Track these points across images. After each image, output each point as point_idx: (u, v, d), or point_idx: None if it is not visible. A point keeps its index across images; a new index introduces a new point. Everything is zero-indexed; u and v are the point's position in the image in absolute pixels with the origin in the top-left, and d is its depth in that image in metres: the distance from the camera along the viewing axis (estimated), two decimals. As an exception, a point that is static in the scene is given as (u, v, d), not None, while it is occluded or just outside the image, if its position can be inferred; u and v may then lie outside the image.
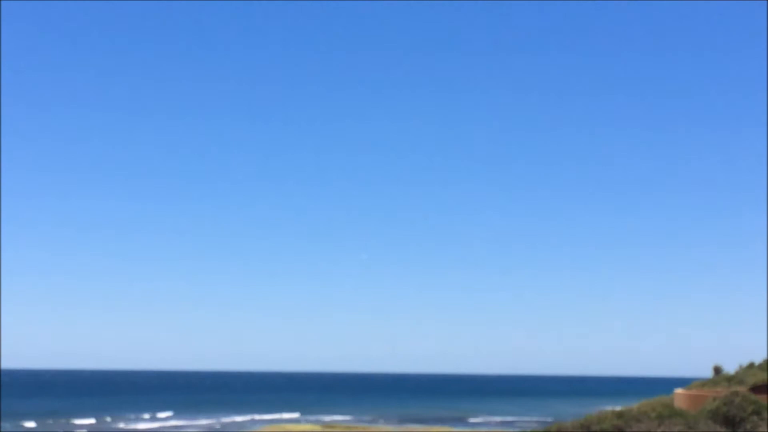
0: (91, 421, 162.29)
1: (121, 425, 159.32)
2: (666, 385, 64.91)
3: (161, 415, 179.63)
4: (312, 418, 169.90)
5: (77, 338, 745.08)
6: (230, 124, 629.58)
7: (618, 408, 45.65)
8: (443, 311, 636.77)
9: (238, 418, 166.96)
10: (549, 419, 51.77)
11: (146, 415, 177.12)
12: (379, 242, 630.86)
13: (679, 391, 51.47)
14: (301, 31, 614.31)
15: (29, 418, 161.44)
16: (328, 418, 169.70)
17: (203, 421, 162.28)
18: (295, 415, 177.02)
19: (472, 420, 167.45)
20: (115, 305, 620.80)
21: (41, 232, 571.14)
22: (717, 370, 59.13)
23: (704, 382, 57.72)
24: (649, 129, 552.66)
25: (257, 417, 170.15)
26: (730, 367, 57.90)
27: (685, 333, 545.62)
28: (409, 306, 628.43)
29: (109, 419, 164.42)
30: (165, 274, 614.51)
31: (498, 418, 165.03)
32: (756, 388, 46.89)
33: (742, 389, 45.66)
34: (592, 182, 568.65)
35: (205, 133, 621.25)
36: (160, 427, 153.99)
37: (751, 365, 57.19)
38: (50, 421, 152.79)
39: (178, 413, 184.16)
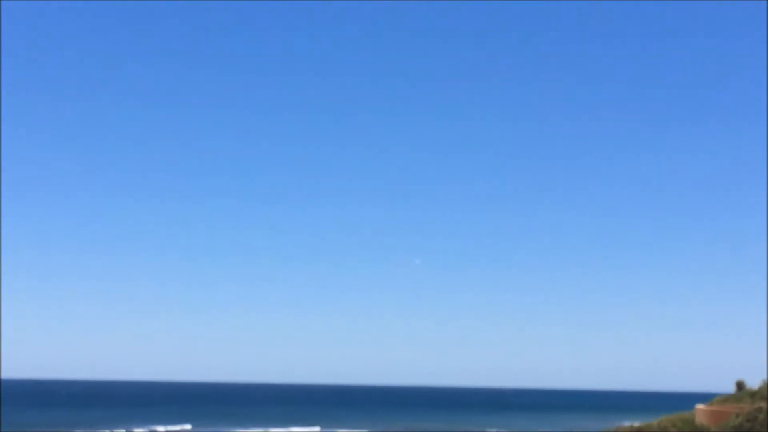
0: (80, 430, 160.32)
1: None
2: (687, 400, 63.18)
3: (178, 427, 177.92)
4: (316, 429, 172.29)
5: (82, 347, 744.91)
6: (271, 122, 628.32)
7: (637, 424, 45.05)
8: (452, 325, 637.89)
9: (256, 430, 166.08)
10: (567, 434, 50.71)
11: (161, 428, 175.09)
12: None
13: (700, 406, 50.15)
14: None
15: (34, 428, 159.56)
16: (343, 430, 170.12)
17: (225, 430, 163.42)
18: (315, 428, 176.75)
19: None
20: (121, 313, 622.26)
21: (46, 234, 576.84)
22: (740, 385, 57.65)
23: (726, 398, 56.38)
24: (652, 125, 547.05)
25: (273, 430, 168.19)
26: (754, 382, 56.67)
27: (707, 346, 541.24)
28: (418, 320, 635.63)
29: (123, 431, 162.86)
30: (175, 280, 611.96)
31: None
32: (780, 404, 45.79)
33: (766, 405, 44.91)
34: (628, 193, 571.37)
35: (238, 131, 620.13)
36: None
37: None
38: None
39: (197, 425, 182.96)
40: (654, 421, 46.16)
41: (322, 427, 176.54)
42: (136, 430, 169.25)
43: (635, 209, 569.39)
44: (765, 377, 55.28)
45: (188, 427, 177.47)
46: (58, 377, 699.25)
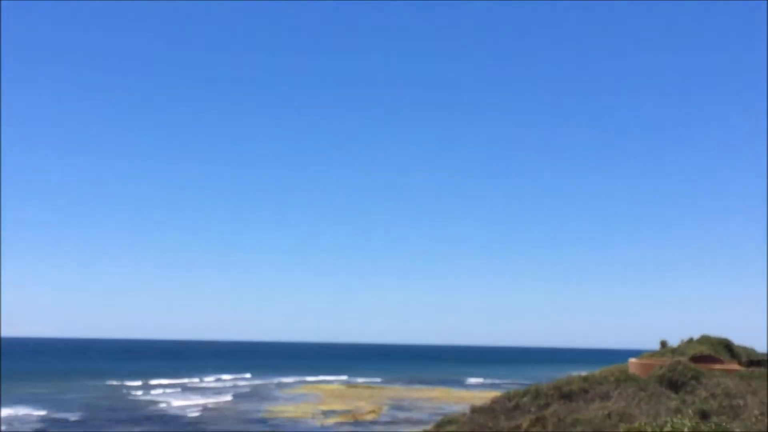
0: (184, 380, 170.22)
1: (213, 382, 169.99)
2: (622, 355, 69.94)
3: (240, 376, 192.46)
4: (343, 378, 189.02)
5: (147, 310, 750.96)
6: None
7: (583, 373, 49.80)
8: (446, 293, 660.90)
9: (288, 378, 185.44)
10: (529, 382, 56.68)
11: (226, 376, 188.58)
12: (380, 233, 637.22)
13: (632, 360, 54.83)
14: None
15: (112, 378, 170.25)
16: (361, 379, 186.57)
17: (275, 380, 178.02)
18: (343, 377, 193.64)
19: (468, 382, 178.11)
20: (179, 280, 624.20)
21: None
22: (663, 343, 62.36)
23: (653, 354, 60.43)
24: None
25: (309, 378, 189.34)
26: (674, 341, 62.58)
27: (637, 312, 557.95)
28: (416, 288, 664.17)
29: (197, 379, 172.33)
30: (228, 249, 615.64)
31: (489, 381, 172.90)
32: (694, 359, 51.84)
33: (683, 359, 50.65)
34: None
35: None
36: (248, 383, 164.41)
37: (691, 340, 61.29)
38: (137, 382, 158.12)
39: (254, 375, 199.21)
40: (596, 371, 51.21)
41: (348, 376, 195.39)
42: (206, 378, 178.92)
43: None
44: (683, 338, 62.46)
45: (248, 375, 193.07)
46: (145, 337, 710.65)
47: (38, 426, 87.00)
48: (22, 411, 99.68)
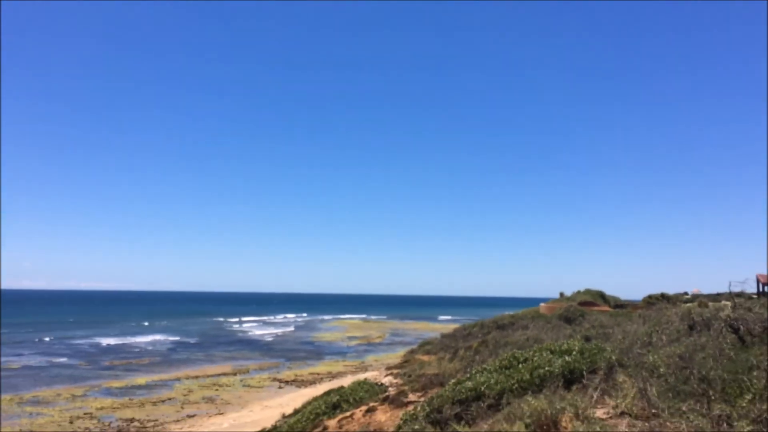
0: (263, 317, 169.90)
1: (281, 319, 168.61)
2: (535, 301, 70.29)
3: (299, 314, 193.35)
4: (362, 316, 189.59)
5: (239, 270, 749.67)
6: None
7: (511, 312, 50.53)
8: (429, 259, 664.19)
9: (327, 316, 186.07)
10: (477, 318, 57.14)
11: (290, 315, 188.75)
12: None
13: (542, 304, 55.02)
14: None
15: (216, 316, 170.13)
16: (373, 316, 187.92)
17: (319, 317, 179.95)
18: (363, 315, 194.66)
19: (439, 318, 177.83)
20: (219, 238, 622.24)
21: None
22: (561, 294, 63.83)
23: (555, 300, 62.62)
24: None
25: (342, 316, 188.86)
26: (568, 292, 63.14)
27: (545, 272, 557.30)
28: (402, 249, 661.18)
29: (272, 317, 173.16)
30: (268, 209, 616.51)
31: (452, 318, 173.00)
32: (581, 303, 52.27)
33: (574, 304, 51.14)
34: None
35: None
36: (303, 320, 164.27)
37: (579, 291, 62.17)
38: (232, 319, 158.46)
39: (309, 314, 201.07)
40: (519, 311, 51.98)
41: (365, 314, 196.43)
42: (277, 316, 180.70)
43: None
44: (574, 290, 62.87)
45: (304, 314, 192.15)
46: (210, 290, 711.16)
47: (171, 346, 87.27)
48: (159, 337, 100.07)
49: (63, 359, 69.20)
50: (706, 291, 59.34)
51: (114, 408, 42.93)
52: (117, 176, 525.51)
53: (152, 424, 38.26)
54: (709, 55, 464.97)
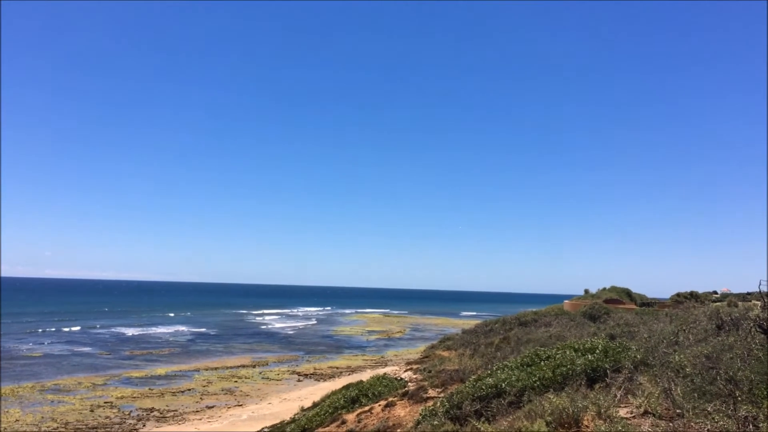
0: (285, 310, 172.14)
1: (302, 312, 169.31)
2: (559, 298, 69.81)
3: (322, 308, 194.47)
4: (382, 310, 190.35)
5: (258, 261, 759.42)
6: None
7: (534, 309, 50.06)
8: (446, 249, 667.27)
9: (348, 310, 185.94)
10: (499, 314, 56.95)
11: (312, 308, 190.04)
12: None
13: (566, 301, 54.40)
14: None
15: (235, 308, 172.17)
16: (394, 311, 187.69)
17: (340, 311, 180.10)
18: (386, 310, 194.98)
19: (461, 314, 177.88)
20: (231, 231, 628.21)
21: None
22: (586, 291, 63.35)
23: (579, 297, 62.16)
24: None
25: (364, 310, 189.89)
26: (593, 289, 62.46)
27: (570, 269, 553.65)
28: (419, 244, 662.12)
29: (294, 310, 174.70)
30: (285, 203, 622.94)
31: (474, 313, 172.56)
32: (606, 301, 51.75)
33: (599, 301, 50.62)
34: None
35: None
36: (324, 313, 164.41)
37: (604, 288, 61.51)
38: (252, 311, 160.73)
39: (333, 307, 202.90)
40: (543, 308, 51.50)
41: (385, 309, 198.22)
42: (298, 309, 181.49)
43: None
44: (599, 287, 62.02)
45: (329, 308, 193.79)
46: (233, 281, 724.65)
47: (191, 337, 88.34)
48: (180, 328, 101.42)
49: (85, 348, 70.50)
50: (735, 290, 58.40)
51: (134, 397, 43.67)
52: (140, 169, 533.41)
53: (171, 414, 38.85)
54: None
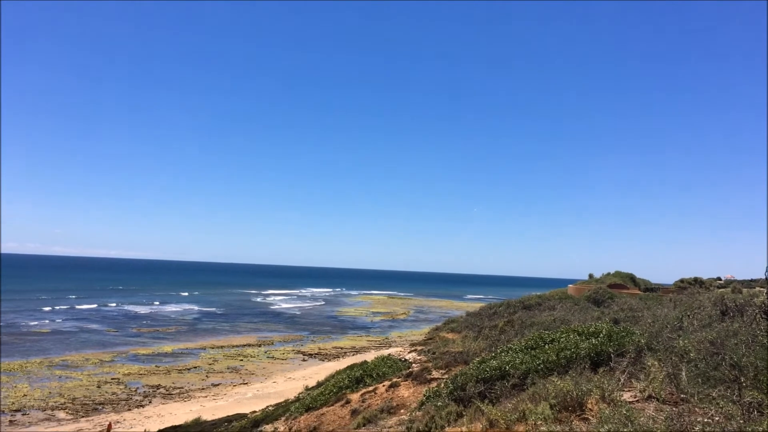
0: (290, 291, 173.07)
1: (307, 292, 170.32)
2: (563, 282, 69.87)
3: (331, 288, 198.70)
4: (387, 292, 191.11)
5: (265, 244, 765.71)
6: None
7: (538, 293, 49.90)
8: (455, 241, 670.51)
9: (353, 291, 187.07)
10: (504, 297, 57.04)
11: (317, 289, 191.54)
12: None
13: (570, 285, 54.38)
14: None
15: (241, 288, 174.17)
16: (398, 293, 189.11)
17: (345, 292, 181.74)
18: (392, 291, 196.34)
19: (465, 297, 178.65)
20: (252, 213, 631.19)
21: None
22: (590, 275, 63.10)
23: (584, 282, 61.89)
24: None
25: (372, 292, 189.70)
26: (597, 274, 62.34)
27: (575, 254, 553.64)
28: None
29: (301, 290, 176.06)
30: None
31: (478, 296, 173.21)
32: (610, 285, 51.56)
33: (603, 286, 50.47)
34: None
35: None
36: (329, 294, 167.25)
37: (608, 273, 61.38)
38: (258, 291, 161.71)
39: (339, 288, 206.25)
40: (547, 292, 51.26)
41: (390, 290, 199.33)
42: (304, 290, 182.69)
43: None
44: (603, 272, 61.77)
45: (336, 289, 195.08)
46: (240, 261, 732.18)
47: (198, 315, 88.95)
48: (186, 306, 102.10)
49: (93, 325, 71.12)
50: (739, 277, 58.21)
51: (140, 374, 44.09)
52: (150, 149, 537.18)
53: (178, 391, 39.23)
54: None
